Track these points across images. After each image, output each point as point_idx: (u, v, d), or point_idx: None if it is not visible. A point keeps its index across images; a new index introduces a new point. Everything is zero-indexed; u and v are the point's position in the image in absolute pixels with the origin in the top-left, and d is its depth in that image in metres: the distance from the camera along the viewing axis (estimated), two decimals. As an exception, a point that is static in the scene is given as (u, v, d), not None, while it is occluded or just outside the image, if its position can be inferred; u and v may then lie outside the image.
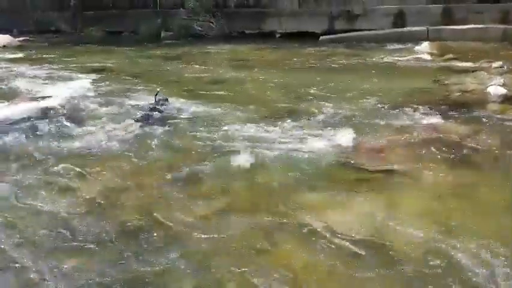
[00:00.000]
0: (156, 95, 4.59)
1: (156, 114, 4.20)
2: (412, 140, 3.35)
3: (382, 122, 3.75)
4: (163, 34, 10.88)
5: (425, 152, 3.15)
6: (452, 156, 3.07)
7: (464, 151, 3.14)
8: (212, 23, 10.51)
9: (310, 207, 2.47)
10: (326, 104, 4.35)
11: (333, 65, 6.55)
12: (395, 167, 2.92)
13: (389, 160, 3.04)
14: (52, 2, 13.36)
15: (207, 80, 5.96)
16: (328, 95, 4.72)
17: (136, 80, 5.97)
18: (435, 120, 3.74)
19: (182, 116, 4.23)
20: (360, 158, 3.07)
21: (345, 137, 3.39)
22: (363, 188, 2.67)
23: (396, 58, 6.68)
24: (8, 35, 10.84)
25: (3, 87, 5.71)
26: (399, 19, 8.76)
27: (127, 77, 6.22)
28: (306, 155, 3.13)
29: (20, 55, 8.87)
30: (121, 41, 10.46)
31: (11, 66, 7.36)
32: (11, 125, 4.00)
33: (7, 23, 14.14)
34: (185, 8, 10.67)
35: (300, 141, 3.39)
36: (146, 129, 3.85)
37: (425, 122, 3.71)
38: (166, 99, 4.55)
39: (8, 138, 3.67)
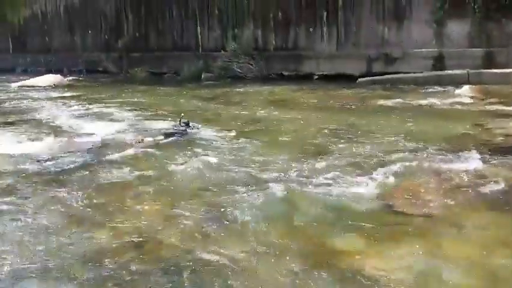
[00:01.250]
0: (180, 119, 5.14)
1: (179, 133, 4.88)
2: (454, 185, 3.23)
3: (422, 166, 3.65)
4: (203, 75, 11.25)
5: (468, 197, 3.03)
6: (498, 202, 2.94)
7: (510, 198, 3.00)
8: (251, 64, 10.80)
9: (346, 252, 2.40)
10: (363, 145, 4.30)
11: (370, 107, 6.53)
12: (436, 212, 2.82)
13: (430, 205, 2.94)
14: (100, 43, 14.18)
15: (243, 118, 6.06)
16: (365, 136, 4.68)
17: (174, 116, 6.17)
18: (478, 164, 3.61)
19: (207, 142, 4.49)
20: (398, 202, 2.98)
21: (383, 180, 3.32)
22: (403, 233, 2.57)
23: (435, 101, 6.58)
24: (58, 75, 11.51)
25: (50, 124, 6.00)
26: (439, 62, 8.71)
27: (165, 114, 6.43)
28: (342, 197, 3.07)
29: (68, 94, 9.36)
30: (163, 82, 10.87)
31: (59, 104, 7.76)
32: (56, 159, 4.16)
33: (58, 63, 15.06)
34: (226, 50, 11.04)
35: (335, 182, 3.34)
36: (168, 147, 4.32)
37: (467, 166, 3.58)
38: (188, 123, 5.08)
39: (54, 171, 3.80)
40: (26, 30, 16.28)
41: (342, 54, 9.90)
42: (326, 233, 2.63)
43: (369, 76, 9.16)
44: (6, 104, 7.96)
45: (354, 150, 4.16)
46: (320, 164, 3.77)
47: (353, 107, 6.61)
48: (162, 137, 4.76)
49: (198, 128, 5.07)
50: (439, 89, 7.57)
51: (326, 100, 7.29)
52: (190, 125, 5.09)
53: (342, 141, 4.54)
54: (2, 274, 2.25)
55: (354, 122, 5.42)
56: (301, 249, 2.44)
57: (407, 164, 3.69)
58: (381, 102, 6.83)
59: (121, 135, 5.13)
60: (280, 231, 2.67)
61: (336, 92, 8.09)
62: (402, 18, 9.18)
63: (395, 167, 3.59)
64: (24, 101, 8.28)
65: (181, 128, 5.00)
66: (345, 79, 9.31)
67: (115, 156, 4.21)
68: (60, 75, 11.67)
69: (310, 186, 3.27)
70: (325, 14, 10.07)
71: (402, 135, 4.63)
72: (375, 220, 2.77)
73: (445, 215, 2.78)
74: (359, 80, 9.13)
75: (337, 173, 3.53)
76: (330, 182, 3.35)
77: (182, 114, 5.31)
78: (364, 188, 3.21)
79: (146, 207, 3.04)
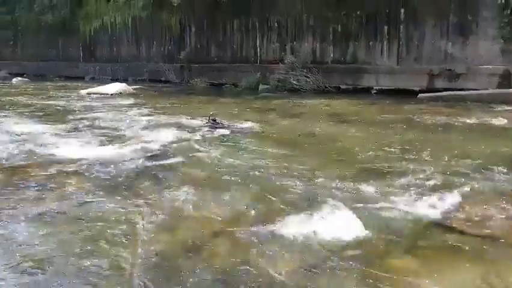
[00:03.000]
0: (209, 116, 6.02)
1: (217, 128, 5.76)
2: (519, 208, 3.10)
3: (486, 186, 3.52)
4: (260, 87, 11.43)
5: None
6: None
7: None
8: (308, 77, 10.84)
9: (403, 272, 2.35)
10: (423, 163, 4.20)
11: (431, 124, 6.35)
12: (502, 235, 2.72)
13: (495, 227, 2.83)
14: (163, 55, 14.79)
15: (298, 130, 6.09)
16: (425, 154, 4.56)
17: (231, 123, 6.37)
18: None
19: (260, 154, 4.42)
20: (461, 223, 2.89)
21: (444, 200, 3.23)
22: (464, 255, 2.50)
23: (502, 120, 6.31)
24: (124, 84, 12.13)
25: (112, 130, 6.27)
26: (506, 79, 8.34)
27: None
28: (400, 216, 3.02)
29: (132, 101, 9.83)
30: (221, 92, 11.14)
31: (123, 111, 8.17)
32: (119, 165, 4.34)
33: (124, 72, 15.87)
34: (284, 63, 11.16)
35: (393, 200, 3.28)
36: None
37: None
38: (215, 120, 5.96)
39: (118, 178, 3.97)
40: (95, 40, 17.30)
41: (403, 69, 9.72)
42: (382, 250, 2.60)
43: (431, 92, 8.92)
44: (77, 110, 8.49)
45: (412, 168, 4.07)
46: (377, 182, 3.72)
47: (412, 123, 6.46)
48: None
49: (222, 123, 5.96)
50: (506, 107, 7.24)
51: (385, 115, 7.17)
52: (217, 121, 6.02)
53: (400, 158, 4.45)
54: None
55: (414, 139, 5.30)
56: (357, 267, 2.42)
57: (469, 184, 3.58)
58: (443, 119, 6.62)
59: (184, 139, 5.40)
60: (336, 248, 2.65)
61: (395, 107, 7.94)
62: (467, 34, 8.89)
63: (457, 188, 3.48)
64: (93, 108, 8.79)
65: (220, 124, 5.90)
66: (405, 94, 9.12)
67: (177, 159, 4.40)
68: (126, 83, 12.29)
69: (366, 205, 3.20)
70: (386, 28, 9.96)
71: (465, 154, 4.48)
72: (435, 239, 2.71)
73: (508, 238, 2.68)
74: (420, 95, 8.92)
75: (396, 190, 3.48)
76: (388, 199, 3.30)
77: (211, 112, 6.19)
78: (424, 207, 3.14)
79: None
